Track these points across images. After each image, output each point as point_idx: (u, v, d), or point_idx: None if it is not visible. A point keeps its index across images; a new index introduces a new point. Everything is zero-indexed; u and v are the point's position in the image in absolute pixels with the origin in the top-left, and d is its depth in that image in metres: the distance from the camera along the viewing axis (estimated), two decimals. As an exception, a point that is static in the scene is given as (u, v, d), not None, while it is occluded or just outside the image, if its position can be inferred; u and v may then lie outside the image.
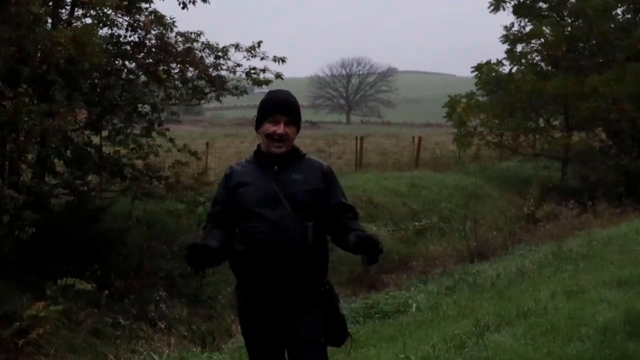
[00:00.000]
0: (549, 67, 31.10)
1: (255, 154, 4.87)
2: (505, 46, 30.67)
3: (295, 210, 4.61)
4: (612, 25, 30.26)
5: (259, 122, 4.80)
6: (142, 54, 15.44)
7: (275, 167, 4.72)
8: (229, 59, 15.77)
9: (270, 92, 4.94)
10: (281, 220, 4.59)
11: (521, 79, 28.54)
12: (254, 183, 4.71)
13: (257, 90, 17.11)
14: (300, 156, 4.83)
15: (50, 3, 14.10)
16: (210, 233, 4.85)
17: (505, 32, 30.39)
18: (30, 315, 10.62)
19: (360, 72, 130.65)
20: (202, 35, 15.52)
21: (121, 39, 15.32)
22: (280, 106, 4.76)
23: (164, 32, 15.24)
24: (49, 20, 14.01)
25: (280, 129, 4.67)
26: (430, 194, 24.03)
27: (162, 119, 16.12)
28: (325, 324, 4.75)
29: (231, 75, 16.16)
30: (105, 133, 15.69)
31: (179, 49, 15.33)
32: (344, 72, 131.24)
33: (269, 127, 4.70)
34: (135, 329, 12.05)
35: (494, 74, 29.53)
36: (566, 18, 30.46)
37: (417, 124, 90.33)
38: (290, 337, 4.70)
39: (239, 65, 15.84)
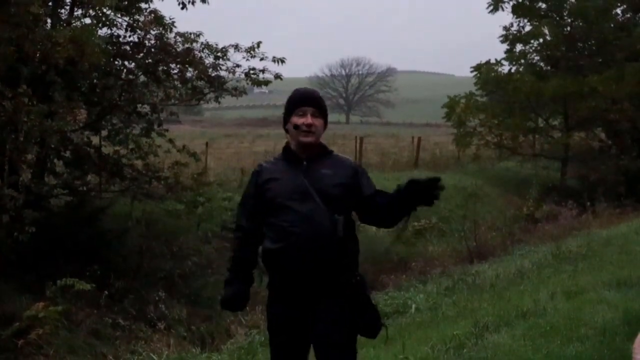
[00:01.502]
0: (549, 67, 31.10)
1: (283, 151, 4.91)
2: (505, 46, 30.69)
3: (325, 204, 4.63)
4: (612, 25, 30.28)
5: (286, 119, 4.87)
6: (141, 54, 15.45)
7: (305, 163, 4.76)
8: (228, 59, 15.78)
9: (295, 89, 5.02)
10: (311, 214, 4.61)
11: (520, 79, 28.54)
12: (284, 178, 4.75)
13: (256, 90, 17.11)
14: (328, 152, 4.89)
15: (50, 3, 14.11)
16: (239, 257, 4.97)
17: (504, 32, 30.39)
18: (30, 315, 10.63)
19: (360, 72, 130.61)
20: (201, 36, 15.54)
21: (120, 39, 15.35)
22: (306, 98, 4.85)
23: (163, 32, 15.26)
24: (49, 21, 14.02)
25: (307, 119, 4.74)
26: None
27: (162, 119, 16.12)
28: (358, 316, 4.72)
29: (230, 75, 16.17)
30: (104, 133, 15.70)
31: (178, 50, 15.35)
32: (343, 72, 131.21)
33: (297, 120, 4.76)
34: (134, 330, 12.06)
35: (493, 74, 29.53)
36: (565, 18, 30.47)
37: (417, 124, 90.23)
38: (315, 337, 4.71)
39: (238, 65, 15.86)
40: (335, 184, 4.70)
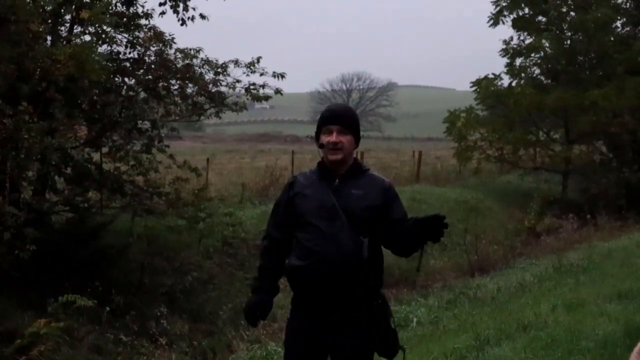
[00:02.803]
0: (549, 81, 31.15)
1: (318, 166, 4.96)
2: (505, 60, 30.74)
3: (351, 224, 4.67)
4: (612, 39, 30.34)
5: (317, 137, 4.94)
6: (141, 71, 15.47)
7: (337, 181, 4.81)
8: (228, 75, 15.80)
9: (327, 106, 5.15)
10: (336, 233, 4.65)
11: (520, 93, 28.56)
12: (313, 195, 4.80)
13: (257, 105, 17.12)
14: (362, 171, 4.93)
15: (50, 21, 14.13)
16: (265, 266, 5.03)
17: (504, 46, 30.44)
18: (32, 332, 10.60)
19: (361, 87, 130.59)
20: (201, 52, 15.57)
21: (120, 56, 15.36)
22: (331, 117, 4.92)
23: (163, 48, 15.29)
24: (48, 38, 14.05)
25: (332, 137, 4.79)
26: (431, 208, 23.94)
27: (162, 135, 16.11)
28: (377, 337, 4.79)
29: (231, 91, 16.20)
30: (105, 150, 15.70)
31: (178, 66, 15.37)
32: (344, 87, 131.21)
33: (324, 138, 4.84)
34: (136, 345, 12.05)
35: (492, 88, 29.55)
36: (566, 31, 30.53)
37: (418, 138, 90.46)
38: (330, 348, 4.76)
39: (238, 81, 15.88)
40: (364, 206, 4.74)
